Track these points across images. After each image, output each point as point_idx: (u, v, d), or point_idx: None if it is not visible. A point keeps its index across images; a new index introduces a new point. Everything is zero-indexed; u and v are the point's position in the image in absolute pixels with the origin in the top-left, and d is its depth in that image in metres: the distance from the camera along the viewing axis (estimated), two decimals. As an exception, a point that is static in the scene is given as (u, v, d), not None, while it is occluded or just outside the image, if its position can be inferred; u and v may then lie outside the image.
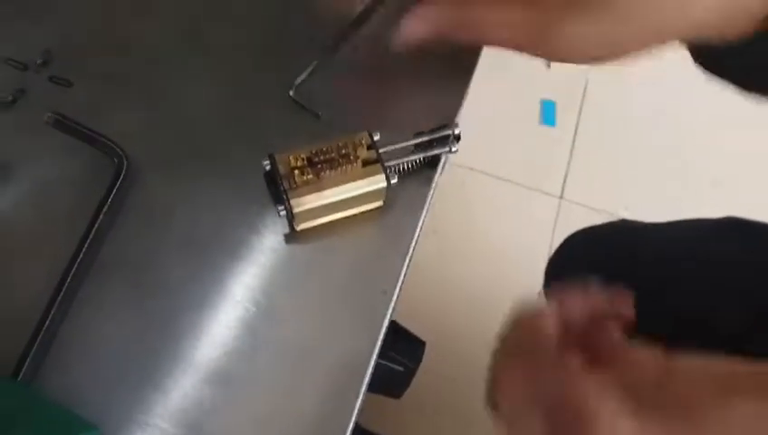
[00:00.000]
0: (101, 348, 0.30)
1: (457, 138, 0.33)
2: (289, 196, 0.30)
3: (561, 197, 1.21)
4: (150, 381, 0.29)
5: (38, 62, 0.36)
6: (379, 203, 0.33)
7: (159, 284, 0.31)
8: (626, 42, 0.27)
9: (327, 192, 0.30)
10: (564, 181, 1.22)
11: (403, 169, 0.33)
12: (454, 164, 1.11)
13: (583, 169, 1.21)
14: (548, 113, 1.23)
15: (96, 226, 0.31)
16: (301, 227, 0.32)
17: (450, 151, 0.33)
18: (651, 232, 0.53)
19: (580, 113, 1.27)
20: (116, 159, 0.33)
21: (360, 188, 0.31)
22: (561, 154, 1.22)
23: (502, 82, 1.19)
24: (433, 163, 0.34)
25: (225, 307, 0.31)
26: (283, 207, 0.30)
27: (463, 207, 1.19)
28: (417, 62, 0.39)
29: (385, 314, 0.31)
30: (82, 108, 0.35)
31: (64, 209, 0.33)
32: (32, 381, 0.29)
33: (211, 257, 0.32)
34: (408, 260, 0.33)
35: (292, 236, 0.33)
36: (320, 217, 0.32)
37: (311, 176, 0.30)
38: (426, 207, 0.34)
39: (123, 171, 0.32)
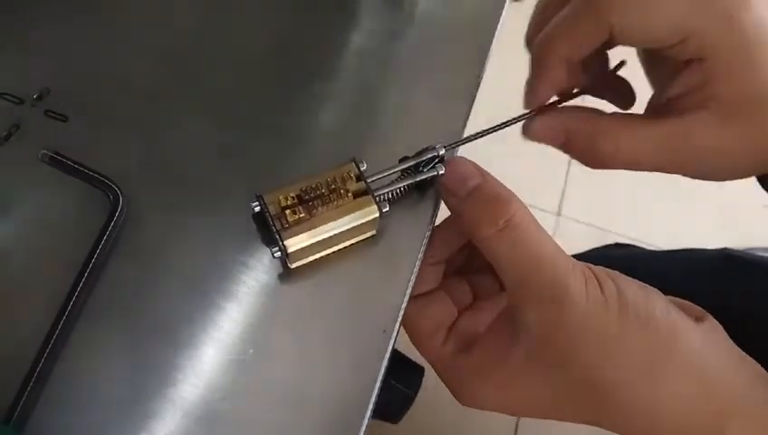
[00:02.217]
0: (93, 391, 0.29)
1: (441, 159, 0.33)
2: (282, 236, 0.30)
3: (558, 214, 1.21)
4: (143, 426, 0.29)
5: (34, 96, 0.36)
6: (372, 232, 0.33)
7: (153, 324, 0.31)
8: None
9: (320, 229, 0.30)
10: (561, 198, 1.23)
11: (393, 195, 0.33)
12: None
13: (580, 186, 1.21)
14: (545, 130, 1.23)
15: (91, 264, 0.31)
16: (295, 265, 0.32)
17: (438, 175, 0.33)
18: (644, 261, 0.53)
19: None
20: (111, 196, 0.33)
21: (354, 221, 0.31)
22: (558, 171, 1.22)
23: (499, 97, 1.19)
24: (422, 187, 0.34)
25: (219, 348, 0.30)
26: (277, 248, 0.30)
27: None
28: (412, 86, 0.39)
29: (384, 354, 0.31)
30: (78, 143, 0.34)
31: (59, 247, 0.33)
32: (23, 426, 0.28)
33: (206, 298, 0.32)
34: (407, 296, 0.32)
35: (288, 275, 0.32)
36: (314, 253, 0.32)
37: (303, 214, 0.30)
38: (423, 242, 0.34)
39: (119, 209, 0.32)
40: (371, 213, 0.31)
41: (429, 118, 0.38)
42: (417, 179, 0.33)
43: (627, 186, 1.22)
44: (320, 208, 0.30)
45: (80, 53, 0.39)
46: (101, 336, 0.31)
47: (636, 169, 0.30)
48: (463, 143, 0.34)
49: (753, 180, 0.33)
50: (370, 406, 0.29)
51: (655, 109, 0.30)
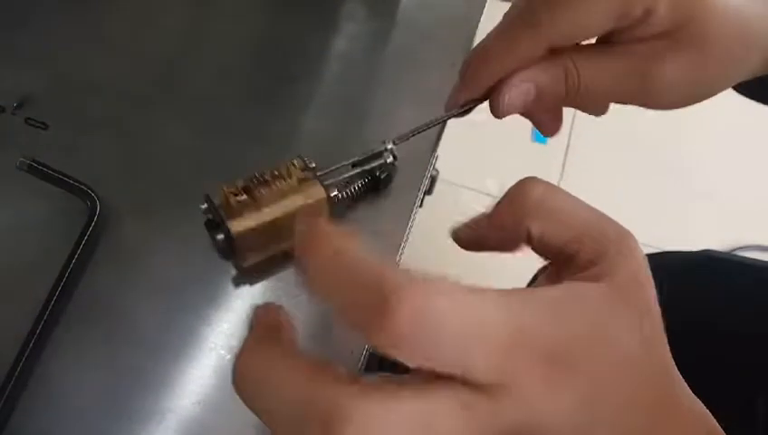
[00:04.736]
0: (72, 400, 0.29)
1: (392, 152, 0.33)
2: (225, 219, 0.29)
3: (552, 214, 1.21)
4: (121, 430, 0.29)
5: (15, 104, 0.36)
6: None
7: (132, 331, 0.31)
8: (719, 82, 0.29)
9: (264, 210, 0.30)
10: (556, 198, 1.23)
11: (342, 185, 0.33)
12: (446, 182, 1.11)
13: (575, 186, 1.21)
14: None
15: (69, 271, 0.31)
16: (247, 262, 0.31)
17: (385, 163, 0.33)
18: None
19: (571, 130, 1.27)
20: (89, 203, 0.33)
21: (299, 202, 0.30)
22: (552, 171, 1.22)
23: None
24: (376, 186, 0.34)
25: (199, 355, 0.31)
26: (221, 234, 0.29)
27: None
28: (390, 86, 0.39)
29: (362, 350, 0.31)
30: (58, 150, 0.35)
31: (37, 254, 0.33)
32: (1, 431, 0.28)
33: (185, 303, 0.32)
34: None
35: (268, 282, 0.33)
36: (264, 244, 0.31)
37: (245, 198, 0.30)
38: (399, 254, 0.34)
39: (96, 215, 0.32)
40: (317, 194, 0.31)
41: (409, 119, 0.38)
42: (366, 168, 0.33)
43: (623, 183, 1.22)
44: (263, 192, 0.30)
45: (61, 60, 0.39)
46: (80, 341, 0.31)
47: (596, 104, 0.31)
48: (407, 138, 0.33)
49: (751, 180, 0.32)
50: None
51: (604, 40, 0.30)
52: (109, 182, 0.34)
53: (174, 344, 0.31)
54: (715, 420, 0.21)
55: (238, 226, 0.29)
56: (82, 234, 0.32)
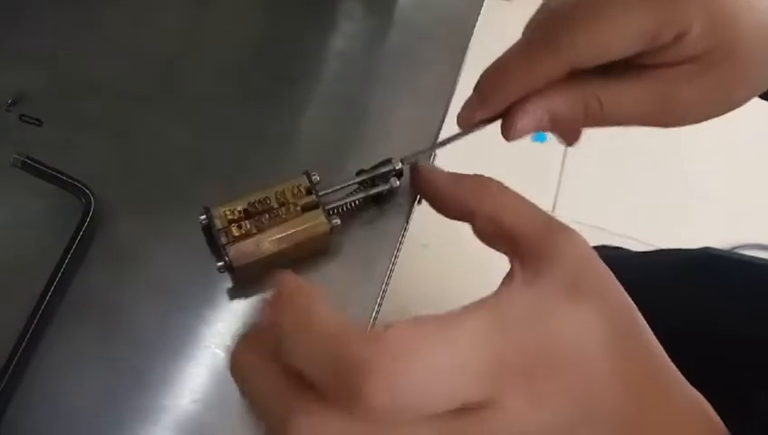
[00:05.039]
0: (67, 398, 0.29)
1: (399, 173, 0.32)
2: (227, 250, 0.29)
3: (552, 213, 1.21)
4: (115, 428, 0.29)
5: (9, 101, 0.36)
6: (323, 250, 0.32)
7: (128, 331, 0.31)
8: (745, 97, 0.28)
9: (266, 244, 0.30)
10: (555, 197, 1.22)
11: (345, 208, 0.32)
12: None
13: (574, 185, 1.21)
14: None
15: (62, 269, 0.31)
16: (244, 281, 0.31)
17: (392, 188, 0.32)
18: (626, 263, 0.52)
19: (570, 129, 1.27)
20: (83, 200, 0.33)
21: (302, 236, 0.30)
22: (551, 170, 1.22)
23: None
24: (379, 200, 0.33)
25: (195, 354, 0.30)
26: (221, 263, 0.29)
27: (454, 222, 1.19)
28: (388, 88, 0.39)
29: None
30: (53, 147, 0.34)
31: (31, 251, 0.33)
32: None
33: (181, 302, 0.32)
34: (375, 309, 0.32)
35: (262, 280, 0.32)
36: (263, 272, 0.31)
37: (249, 228, 0.30)
38: (392, 260, 0.34)
39: (90, 212, 0.32)
40: (321, 227, 0.30)
41: (407, 119, 0.38)
42: (371, 193, 0.32)
43: (623, 182, 1.22)
44: (267, 222, 0.30)
45: (57, 58, 0.39)
46: (74, 339, 0.31)
47: (615, 125, 0.29)
48: (418, 156, 0.33)
49: (751, 180, 0.32)
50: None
51: (628, 63, 0.28)
52: (105, 180, 0.34)
53: (170, 343, 0.31)
54: (710, 406, 0.22)
55: (238, 258, 0.29)
56: (77, 231, 0.32)
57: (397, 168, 0.32)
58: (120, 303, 0.31)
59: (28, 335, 0.29)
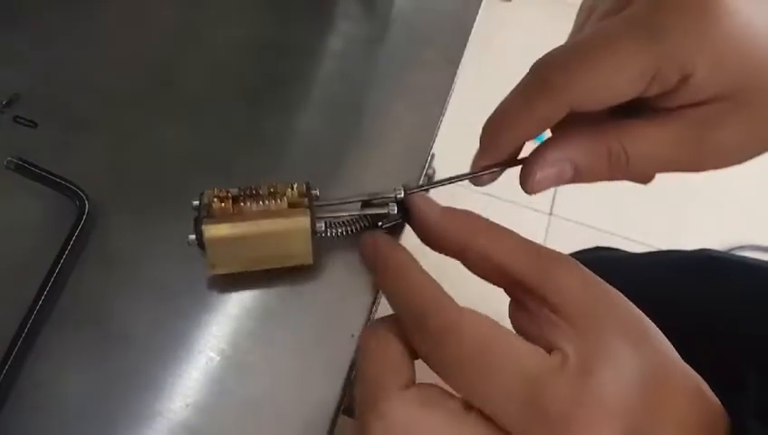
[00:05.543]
0: (59, 401, 0.29)
1: (399, 202, 0.31)
2: (201, 222, 0.28)
3: (550, 213, 1.21)
4: (108, 433, 0.28)
5: (3, 102, 0.36)
6: (306, 259, 0.31)
7: (121, 334, 0.30)
8: None
9: (242, 224, 0.29)
10: (554, 198, 1.22)
11: (336, 224, 0.31)
12: (443, 181, 1.10)
13: (572, 186, 1.21)
14: (537, 130, 1.23)
15: (56, 271, 0.31)
16: (216, 269, 0.31)
17: (388, 214, 0.31)
18: (625, 264, 0.52)
19: (568, 129, 1.27)
20: (78, 202, 0.32)
21: (280, 227, 0.29)
22: (550, 170, 1.22)
23: (490, 99, 1.19)
24: (374, 224, 0.32)
25: (189, 358, 0.30)
26: (194, 234, 0.29)
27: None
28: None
29: (350, 358, 0.31)
30: (47, 149, 0.34)
31: (24, 254, 0.32)
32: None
33: (174, 305, 0.31)
34: (373, 298, 0.32)
35: (258, 283, 0.32)
36: (237, 260, 0.30)
37: (230, 207, 0.29)
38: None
39: (85, 214, 0.32)
40: (302, 223, 0.29)
41: (403, 120, 0.38)
42: (366, 213, 0.31)
43: (622, 182, 1.22)
44: (249, 205, 0.29)
45: (51, 59, 0.39)
46: (68, 342, 0.30)
47: (643, 176, 0.29)
48: (422, 189, 0.32)
49: (750, 180, 0.32)
50: (334, 409, 0.29)
51: (652, 107, 0.27)
52: (99, 182, 0.34)
53: (163, 346, 0.30)
54: (706, 384, 0.22)
55: (211, 230, 0.29)
56: (71, 233, 0.31)
57: (398, 197, 0.31)
58: (113, 305, 0.31)
59: (21, 338, 0.29)
